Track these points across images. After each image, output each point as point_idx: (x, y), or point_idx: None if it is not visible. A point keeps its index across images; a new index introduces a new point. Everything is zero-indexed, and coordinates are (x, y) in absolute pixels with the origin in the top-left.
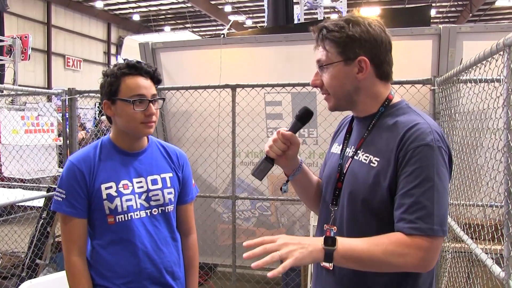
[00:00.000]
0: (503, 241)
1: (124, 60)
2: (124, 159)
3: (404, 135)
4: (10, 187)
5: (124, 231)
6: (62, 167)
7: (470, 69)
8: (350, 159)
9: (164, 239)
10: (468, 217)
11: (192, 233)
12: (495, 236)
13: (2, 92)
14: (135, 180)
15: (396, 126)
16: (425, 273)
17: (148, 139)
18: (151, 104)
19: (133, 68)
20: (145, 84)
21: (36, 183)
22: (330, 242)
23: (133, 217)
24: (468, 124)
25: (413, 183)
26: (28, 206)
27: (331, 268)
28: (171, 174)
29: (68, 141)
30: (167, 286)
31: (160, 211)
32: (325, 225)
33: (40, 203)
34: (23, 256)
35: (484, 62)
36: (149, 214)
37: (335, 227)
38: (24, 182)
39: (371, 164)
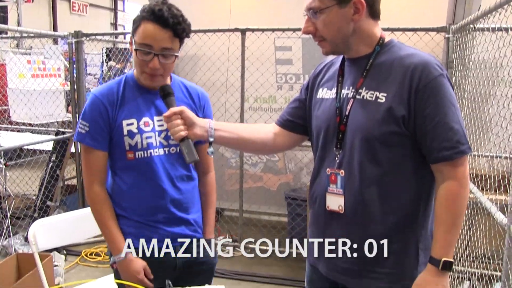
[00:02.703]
0: (508, 190)
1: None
2: (146, 97)
3: (414, 70)
4: (19, 131)
5: (143, 167)
6: (69, 112)
7: (487, 16)
8: (352, 99)
9: (181, 177)
10: (474, 168)
11: (209, 172)
12: (501, 185)
13: (7, 33)
14: (156, 118)
15: (400, 61)
16: (427, 211)
17: (171, 78)
18: (156, 58)
19: (152, 15)
20: (157, 35)
21: (44, 128)
22: (448, 266)
23: (153, 154)
24: (481, 73)
25: (441, 113)
26: (37, 149)
27: (342, 211)
28: None
29: (75, 86)
30: (182, 221)
31: (177, 150)
32: (328, 169)
33: (49, 146)
34: (34, 198)
35: (505, 6)
36: (167, 152)
37: (342, 170)
38: (32, 127)
39: (379, 100)
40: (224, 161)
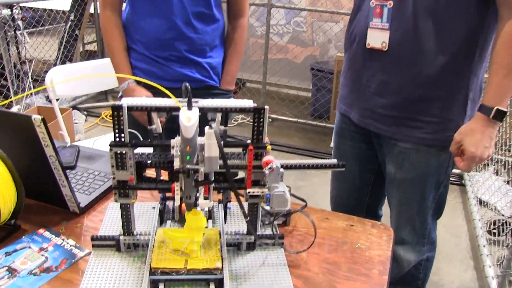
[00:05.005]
0: None
1: None
2: None
3: None
4: None
5: None
6: None
7: None
8: None
9: (199, 15)
10: None
11: (242, 16)
12: None
13: None
14: None
15: None
16: (482, 57)
17: None
18: None
19: None
20: None
21: None
22: (501, 116)
23: None
24: None
25: None
26: (54, 10)
27: (386, 49)
28: None
29: None
30: (193, 63)
31: None
32: (373, 0)
33: (67, 7)
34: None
35: None
36: None
37: (390, 1)
38: None
39: None
40: (248, 27)
